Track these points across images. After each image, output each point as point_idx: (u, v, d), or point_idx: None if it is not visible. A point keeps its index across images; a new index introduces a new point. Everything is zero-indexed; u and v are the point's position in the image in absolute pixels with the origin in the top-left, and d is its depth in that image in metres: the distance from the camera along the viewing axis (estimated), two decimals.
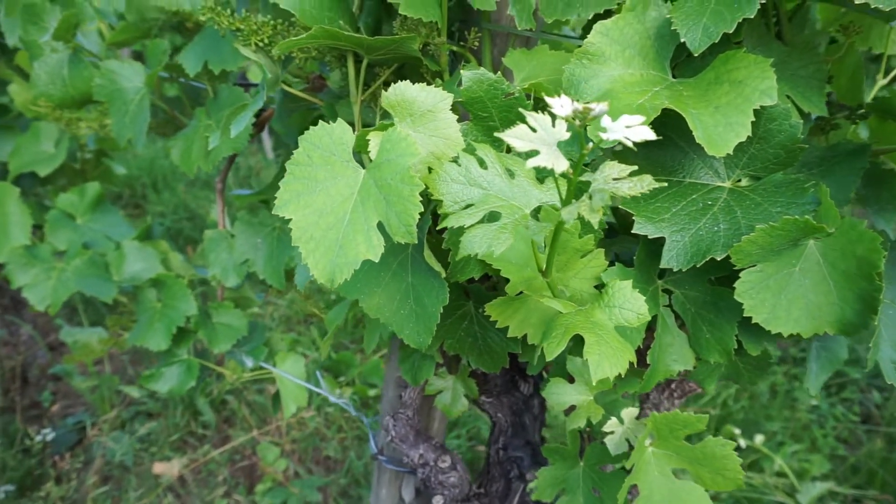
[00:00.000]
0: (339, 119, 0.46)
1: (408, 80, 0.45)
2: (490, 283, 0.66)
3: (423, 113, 0.45)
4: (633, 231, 0.49)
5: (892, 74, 0.54)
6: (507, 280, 0.66)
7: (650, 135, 0.30)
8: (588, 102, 0.47)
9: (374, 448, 0.94)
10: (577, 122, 0.30)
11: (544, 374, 0.75)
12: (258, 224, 0.96)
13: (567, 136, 0.33)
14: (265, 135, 3.30)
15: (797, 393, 2.05)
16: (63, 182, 1.37)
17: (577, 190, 0.42)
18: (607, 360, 0.42)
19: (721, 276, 0.54)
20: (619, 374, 0.42)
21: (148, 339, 1.00)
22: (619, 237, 0.58)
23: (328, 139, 0.45)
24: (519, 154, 0.48)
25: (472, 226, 0.41)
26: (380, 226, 0.43)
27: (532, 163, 0.32)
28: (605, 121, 0.31)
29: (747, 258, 0.46)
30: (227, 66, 0.84)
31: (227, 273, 0.99)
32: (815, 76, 0.51)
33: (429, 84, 0.46)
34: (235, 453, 1.94)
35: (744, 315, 0.47)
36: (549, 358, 0.43)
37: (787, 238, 0.44)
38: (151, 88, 0.89)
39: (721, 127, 0.45)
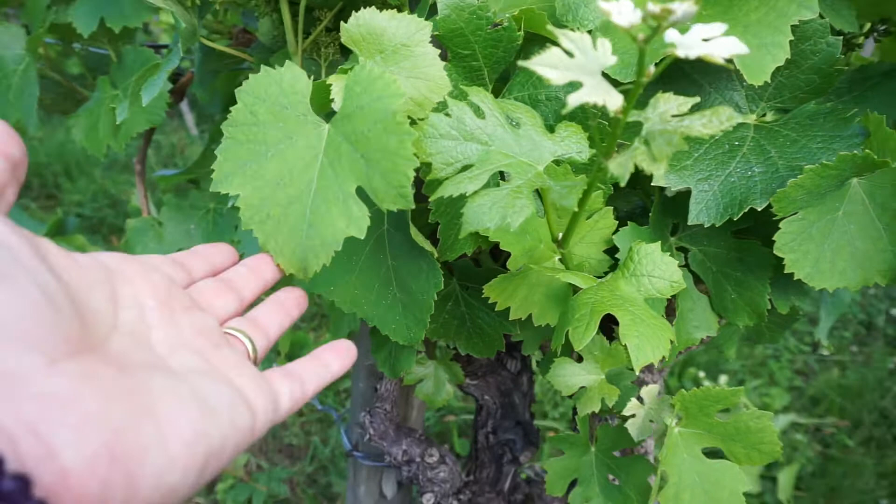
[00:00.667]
0: (288, 62, 0.35)
1: (373, 8, 0.35)
2: (471, 255, 0.58)
3: (397, 48, 0.35)
4: (653, 183, 0.41)
5: None
6: (492, 252, 0.58)
7: (741, 48, 0.22)
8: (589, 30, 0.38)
9: (348, 445, 0.85)
10: (641, 36, 0.22)
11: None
12: (188, 208, 0.84)
13: (614, 60, 0.24)
14: (186, 108, 3.05)
15: None
16: None
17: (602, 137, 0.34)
18: (648, 342, 0.35)
19: (743, 227, 0.47)
20: (663, 357, 0.35)
21: None
22: (623, 191, 0.50)
23: (276, 89, 0.35)
24: (518, 96, 0.39)
25: (476, 192, 0.32)
26: (359, 192, 0.33)
27: (575, 99, 0.23)
28: (673, 35, 0.22)
29: (791, 205, 0.39)
30: (129, 21, 0.69)
31: None
32: None
33: None
34: None
35: (784, 271, 0.41)
36: (577, 347, 0.35)
37: (838, 178, 0.38)
38: (36, 55, 0.74)
39: (753, 50, 0.37)
